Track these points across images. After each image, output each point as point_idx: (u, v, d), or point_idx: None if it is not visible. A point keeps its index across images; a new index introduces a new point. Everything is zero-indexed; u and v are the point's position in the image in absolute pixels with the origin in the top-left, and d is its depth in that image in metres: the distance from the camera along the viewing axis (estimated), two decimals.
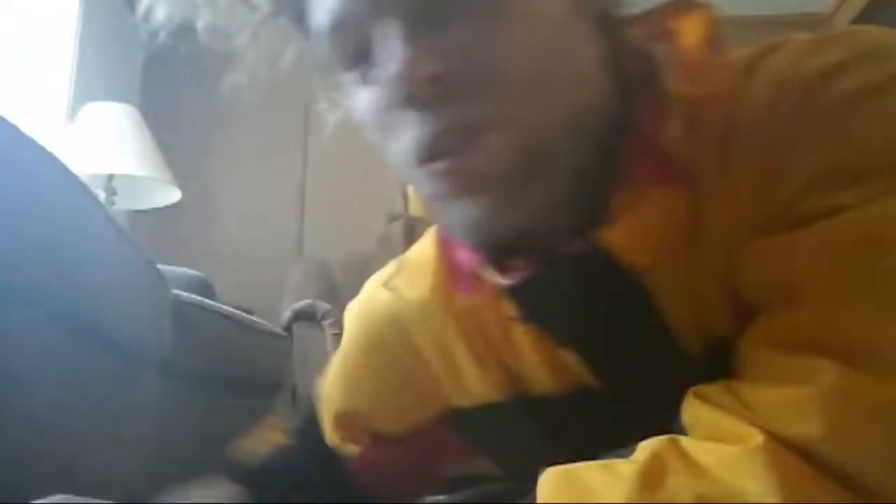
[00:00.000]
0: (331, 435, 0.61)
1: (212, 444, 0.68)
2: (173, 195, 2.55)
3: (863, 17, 3.17)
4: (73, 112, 2.61)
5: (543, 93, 0.35)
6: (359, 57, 0.37)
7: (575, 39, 0.37)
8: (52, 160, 0.83)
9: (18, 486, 0.67)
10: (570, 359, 0.45)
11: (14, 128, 0.77)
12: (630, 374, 0.42)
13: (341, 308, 0.68)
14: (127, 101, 2.65)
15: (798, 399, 0.29)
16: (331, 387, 0.62)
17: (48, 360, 0.74)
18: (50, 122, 2.64)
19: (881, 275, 0.29)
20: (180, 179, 2.54)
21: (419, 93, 0.34)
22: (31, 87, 2.61)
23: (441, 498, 0.68)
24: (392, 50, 0.34)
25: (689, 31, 0.37)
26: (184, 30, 0.45)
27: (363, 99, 0.38)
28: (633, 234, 0.37)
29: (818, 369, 0.29)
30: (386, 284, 0.57)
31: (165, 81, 3.46)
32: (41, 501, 0.46)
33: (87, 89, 2.79)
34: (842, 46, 0.33)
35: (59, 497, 0.47)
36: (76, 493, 0.65)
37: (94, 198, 0.93)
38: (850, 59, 0.32)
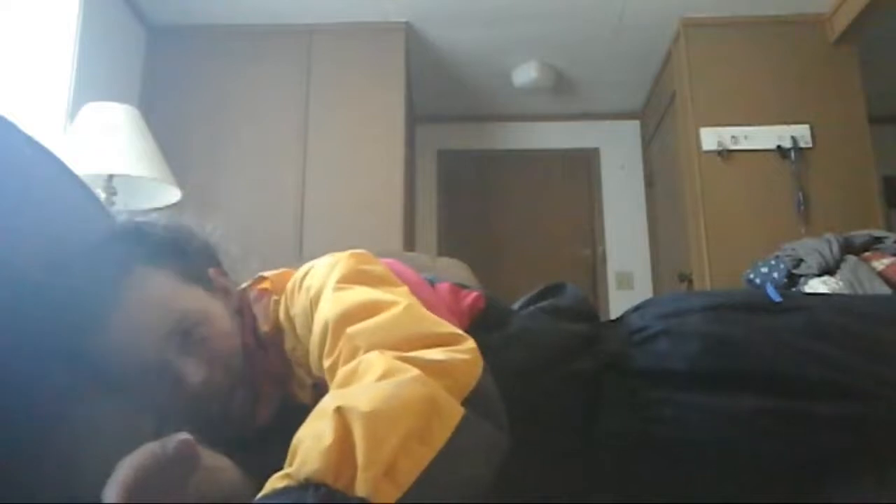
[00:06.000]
0: None
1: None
2: (173, 195, 2.55)
3: (863, 17, 3.14)
4: (73, 112, 2.61)
5: (231, 356, 0.84)
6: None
7: (234, 328, 0.86)
8: (53, 159, 0.83)
9: (19, 486, 0.67)
10: None
11: (14, 126, 0.77)
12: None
13: None
14: (127, 101, 2.65)
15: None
16: None
17: (47, 358, 0.74)
18: (50, 122, 2.65)
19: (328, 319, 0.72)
20: (180, 179, 2.54)
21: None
22: (31, 87, 2.61)
23: None
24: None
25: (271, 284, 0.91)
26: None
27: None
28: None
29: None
30: None
31: (165, 81, 3.47)
32: None
33: (87, 89, 2.80)
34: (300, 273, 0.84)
35: None
36: (76, 493, 0.65)
37: (94, 197, 0.93)
38: (300, 276, 0.84)
